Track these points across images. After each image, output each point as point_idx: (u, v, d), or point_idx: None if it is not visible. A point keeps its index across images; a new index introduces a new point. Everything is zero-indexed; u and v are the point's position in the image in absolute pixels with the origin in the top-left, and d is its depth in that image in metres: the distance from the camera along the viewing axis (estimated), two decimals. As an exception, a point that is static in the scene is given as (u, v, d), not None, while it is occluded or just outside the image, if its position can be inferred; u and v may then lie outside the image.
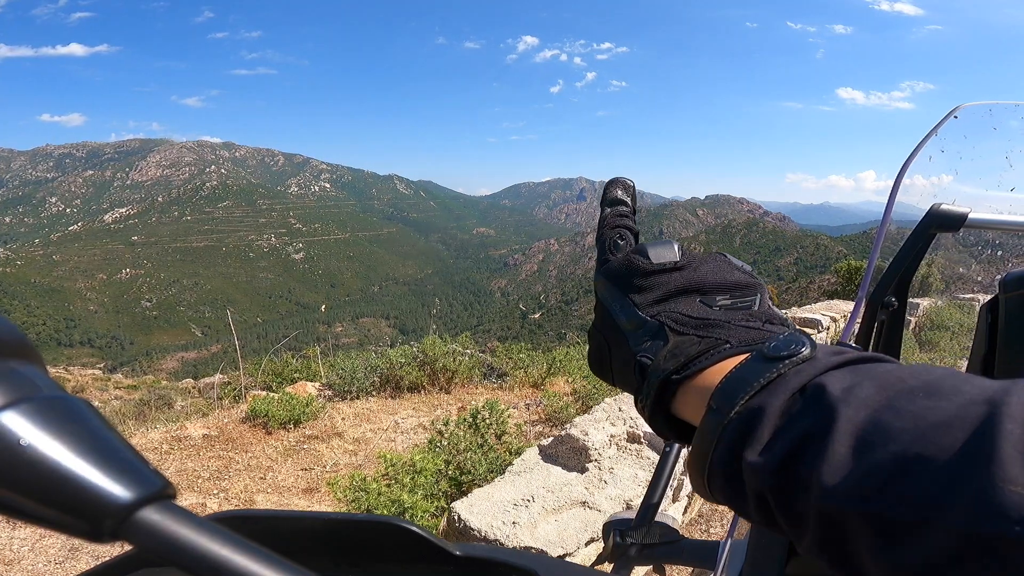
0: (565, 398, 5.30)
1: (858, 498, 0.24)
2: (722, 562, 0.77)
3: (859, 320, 0.83)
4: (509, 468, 3.09)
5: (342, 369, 6.33)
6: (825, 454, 0.26)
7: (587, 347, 0.47)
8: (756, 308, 0.40)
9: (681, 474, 3.23)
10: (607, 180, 0.52)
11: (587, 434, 3.12)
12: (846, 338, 0.84)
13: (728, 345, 0.37)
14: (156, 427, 5.10)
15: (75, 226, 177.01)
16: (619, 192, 0.50)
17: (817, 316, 7.48)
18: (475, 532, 2.47)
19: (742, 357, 0.35)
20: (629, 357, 0.41)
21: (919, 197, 0.81)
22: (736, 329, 0.38)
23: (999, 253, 0.96)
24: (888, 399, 0.26)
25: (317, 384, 6.60)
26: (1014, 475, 0.21)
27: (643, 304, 0.42)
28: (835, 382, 0.28)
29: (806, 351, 0.32)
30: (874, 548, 0.24)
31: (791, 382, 0.30)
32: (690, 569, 1.03)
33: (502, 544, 2.38)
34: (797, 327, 0.37)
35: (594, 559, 0.74)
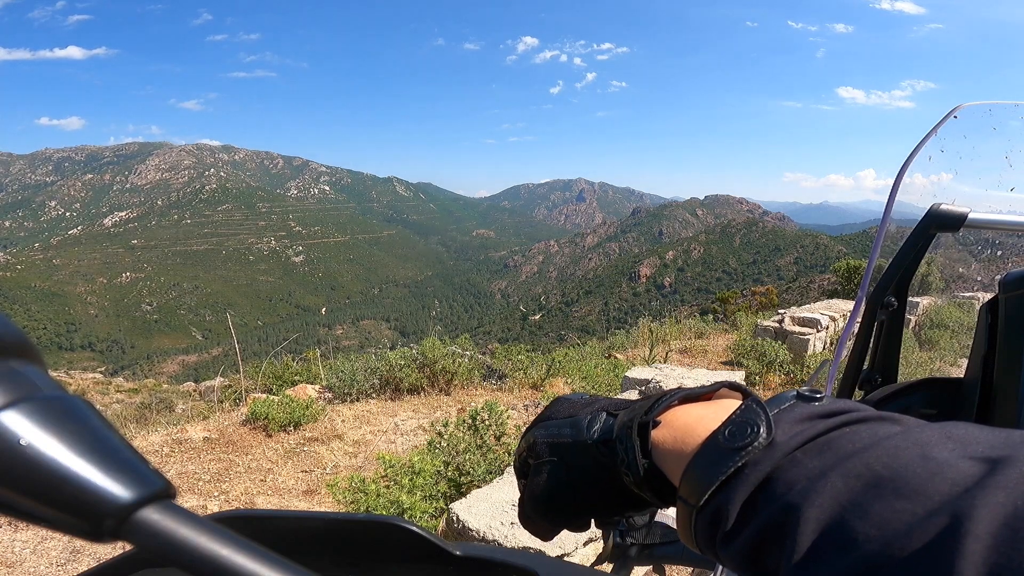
0: (565, 399, 5.29)
1: None
2: (723, 562, 0.77)
3: (859, 319, 0.83)
4: (508, 469, 3.09)
5: (342, 371, 6.32)
6: (789, 554, 0.26)
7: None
8: None
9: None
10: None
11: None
12: (846, 337, 0.84)
13: (675, 397, 0.39)
14: (157, 430, 5.10)
15: (75, 230, 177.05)
16: None
17: (817, 316, 7.48)
18: (474, 533, 2.46)
19: (697, 406, 0.38)
20: (584, 447, 0.42)
21: (919, 196, 0.81)
22: (666, 396, 0.39)
23: (999, 253, 0.96)
24: (853, 495, 0.26)
25: (317, 387, 6.59)
26: None
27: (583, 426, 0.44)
28: (797, 474, 0.29)
29: (763, 436, 0.31)
30: None
31: (750, 476, 0.30)
32: (690, 569, 1.03)
33: (500, 545, 2.38)
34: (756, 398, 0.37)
35: (593, 559, 0.74)
